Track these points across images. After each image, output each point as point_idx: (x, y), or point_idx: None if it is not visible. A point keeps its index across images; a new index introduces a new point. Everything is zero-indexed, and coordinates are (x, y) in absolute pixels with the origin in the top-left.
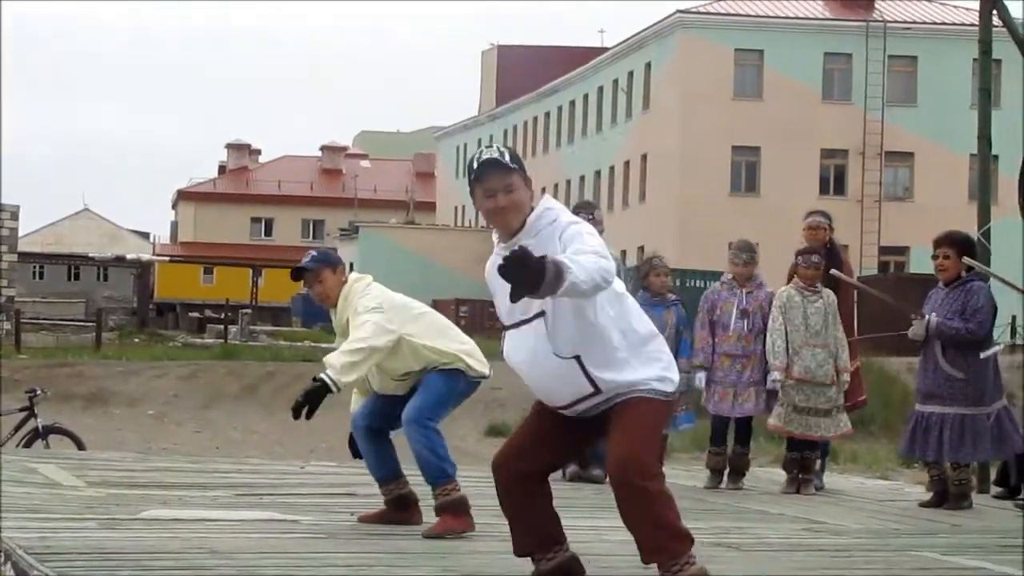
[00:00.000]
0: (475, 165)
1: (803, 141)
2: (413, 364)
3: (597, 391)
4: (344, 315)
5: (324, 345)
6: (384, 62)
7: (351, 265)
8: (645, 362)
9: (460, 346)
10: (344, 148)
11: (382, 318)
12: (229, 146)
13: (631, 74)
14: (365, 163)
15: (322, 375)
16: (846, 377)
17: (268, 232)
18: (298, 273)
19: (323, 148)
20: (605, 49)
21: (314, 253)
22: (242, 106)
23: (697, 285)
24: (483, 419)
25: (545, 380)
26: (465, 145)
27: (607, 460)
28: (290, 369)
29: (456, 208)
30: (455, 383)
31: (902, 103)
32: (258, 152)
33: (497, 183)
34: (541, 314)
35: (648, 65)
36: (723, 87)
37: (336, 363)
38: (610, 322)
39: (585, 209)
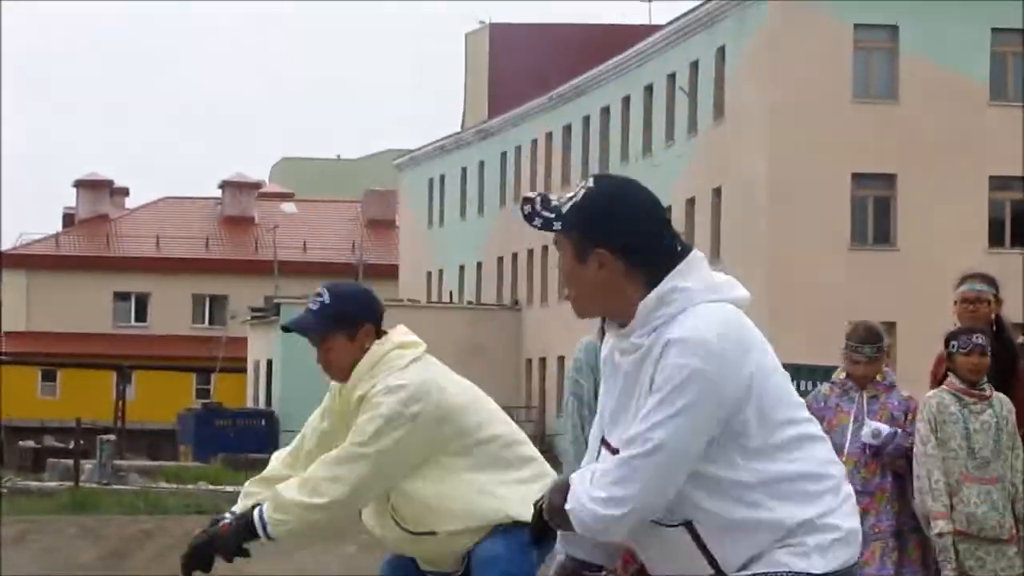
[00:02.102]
0: None
1: (961, 164)
2: (449, 523)
3: (719, 573)
4: (354, 395)
5: (229, 488)
6: (317, 55)
7: (268, 364)
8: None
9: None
10: (257, 184)
11: (378, 450)
12: (80, 184)
13: (695, 65)
14: (289, 207)
15: (256, 510)
16: None
17: (141, 315)
18: (289, 330)
19: (225, 185)
20: (657, 28)
21: (323, 298)
22: (100, 124)
23: (801, 387)
24: None
25: (647, 544)
26: (442, 177)
27: None
28: (177, 526)
29: (429, 274)
30: (529, 553)
31: None
32: (124, 192)
33: None
34: (687, 524)
35: (722, 51)
36: (838, 84)
37: (286, 498)
38: (750, 477)
39: None
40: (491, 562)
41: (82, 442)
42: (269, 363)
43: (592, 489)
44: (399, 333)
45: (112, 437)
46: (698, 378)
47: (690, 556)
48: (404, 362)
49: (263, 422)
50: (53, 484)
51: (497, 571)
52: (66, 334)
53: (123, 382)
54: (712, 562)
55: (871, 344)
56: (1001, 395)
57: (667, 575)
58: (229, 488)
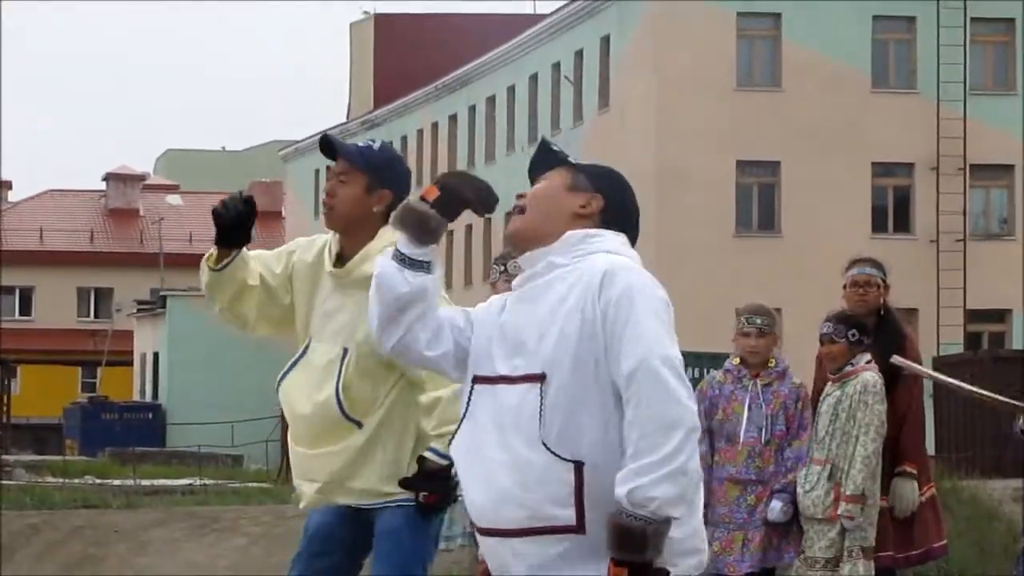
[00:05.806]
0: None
1: (845, 152)
2: (378, 421)
3: (578, 528)
4: (359, 269)
5: (116, 482)
6: (201, 46)
7: (155, 357)
8: None
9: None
10: (142, 176)
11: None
12: None
13: (580, 54)
14: (174, 198)
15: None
16: (846, 507)
17: (25, 309)
18: (328, 146)
19: (109, 177)
20: (541, 17)
21: (375, 145)
22: None
23: (689, 374)
24: None
25: (497, 475)
26: (328, 168)
27: None
28: (64, 520)
29: None
30: (428, 522)
31: (994, 91)
32: (8, 185)
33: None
34: (541, 377)
35: (606, 40)
36: (722, 71)
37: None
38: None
39: (503, 264)
40: (392, 534)
41: None
42: (156, 356)
43: (647, 445)
44: None
45: None
46: (650, 293)
47: (561, 503)
48: None
49: (150, 415)
50: None
51: (399, 545)
52: None
53: (7, 376)
54: (580, 512)
55: (762, 316)
56: (865, 376)
57: (500, 517)
58: (116, 482)
